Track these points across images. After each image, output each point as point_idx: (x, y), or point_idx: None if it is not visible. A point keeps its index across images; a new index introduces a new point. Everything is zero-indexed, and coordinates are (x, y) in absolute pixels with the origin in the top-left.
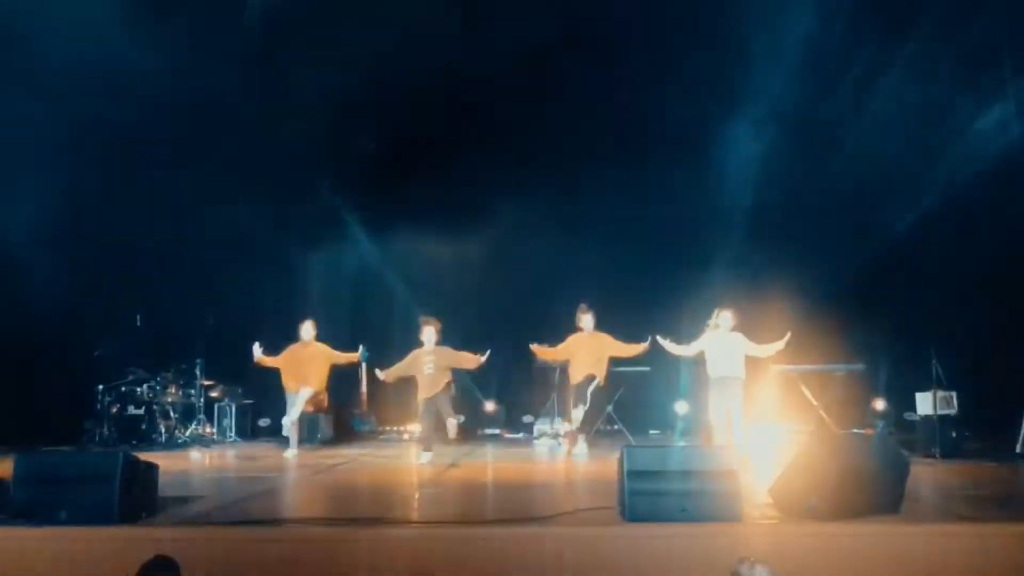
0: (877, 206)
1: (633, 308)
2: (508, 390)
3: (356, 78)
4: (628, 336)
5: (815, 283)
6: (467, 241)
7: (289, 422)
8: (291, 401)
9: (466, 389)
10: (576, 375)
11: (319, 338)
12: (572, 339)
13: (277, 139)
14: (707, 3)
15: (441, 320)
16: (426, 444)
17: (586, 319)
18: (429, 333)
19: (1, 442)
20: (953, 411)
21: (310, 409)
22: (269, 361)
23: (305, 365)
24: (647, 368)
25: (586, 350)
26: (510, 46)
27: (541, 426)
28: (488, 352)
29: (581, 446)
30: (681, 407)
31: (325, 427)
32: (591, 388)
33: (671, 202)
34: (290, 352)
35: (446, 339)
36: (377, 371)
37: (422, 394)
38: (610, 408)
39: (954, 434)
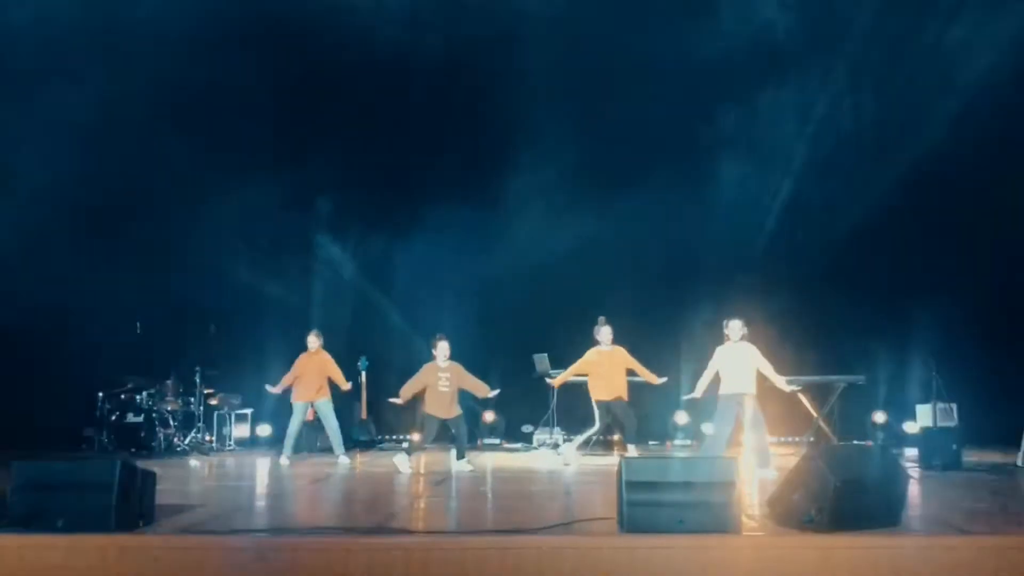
0: (880, 218)
1: (633, 321)
2: (507, 400)
3: (366, 87)
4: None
5: (817, 295)
6: (469, 252)
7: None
8: (300, 411)
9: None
10: (598, 392)
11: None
12: (591, 353)
13: (282, 148)
14: None
15: (444, 331)
16: (413, 452)
17: (604, 332)
18: (444, 349)
19: (0, 449)
20: (953, 423)
21: (310, 417)
22: (287, 382)
23: (317, 376)
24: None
25: (606, 365)
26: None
27: (540, 436)
28: (498, 391)
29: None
30: (680, 417)
31: (324, 436)
32: (618, 408)
33: (676, 218)
34: (301, 364)
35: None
36: (392, 400)
37: (435, 411)
38: (609, 419)
39: (954, 446)
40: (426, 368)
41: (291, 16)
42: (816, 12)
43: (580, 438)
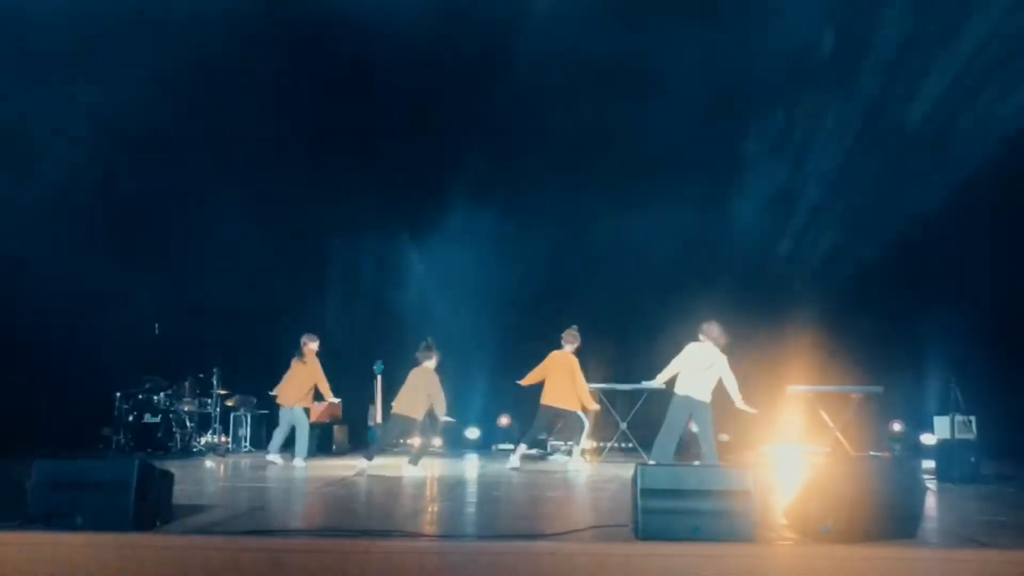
0: (898, 228)
1: (646, 328)
2: (522, 405)
3: (384, 91)
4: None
5: (835, 305)
6: (487, 257)
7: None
8: (288, 417)
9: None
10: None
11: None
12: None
13: (301, 150)
14: None
15: (461, 335)
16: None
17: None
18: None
19: (20, 447)
20: (972, 436)
21: (326, 419)
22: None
23: (309, 382)
24: (662, 385)
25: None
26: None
27: (555, 442)
28: None
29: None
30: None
31: (339, 438)
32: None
33: (694, 227)
34: (300, 367)
35: (465, 353)
36: (448, 419)
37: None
38: (624, 426)
39: (972, 459)
40: (436, 375)
41: (316, 18)
42: (837, 23)
43: (581, 443)
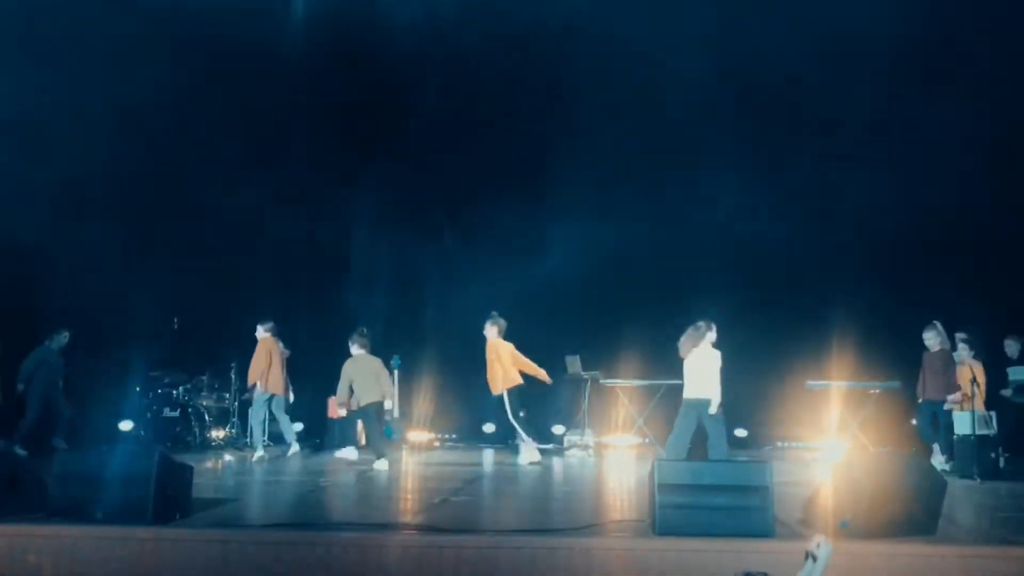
0: (915, 223)
1: (658, 326)
2: (539, 400)
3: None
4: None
5: (852, 299)
6: (506, 252)
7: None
8: (262, 403)
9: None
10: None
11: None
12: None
13: (321, 145)
14: None
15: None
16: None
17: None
18: None
19: (40, 442)
20: (992, 431)
21: (343, 413)
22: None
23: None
24: (680, 381)
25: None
26: None
27: (571, 437)
28: None
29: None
30: None
31: (357, 433)
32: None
33: (709, 225)
34: (273, 354)
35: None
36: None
37: None
38: (641, 421)
39: (993, 455)
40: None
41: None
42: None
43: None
